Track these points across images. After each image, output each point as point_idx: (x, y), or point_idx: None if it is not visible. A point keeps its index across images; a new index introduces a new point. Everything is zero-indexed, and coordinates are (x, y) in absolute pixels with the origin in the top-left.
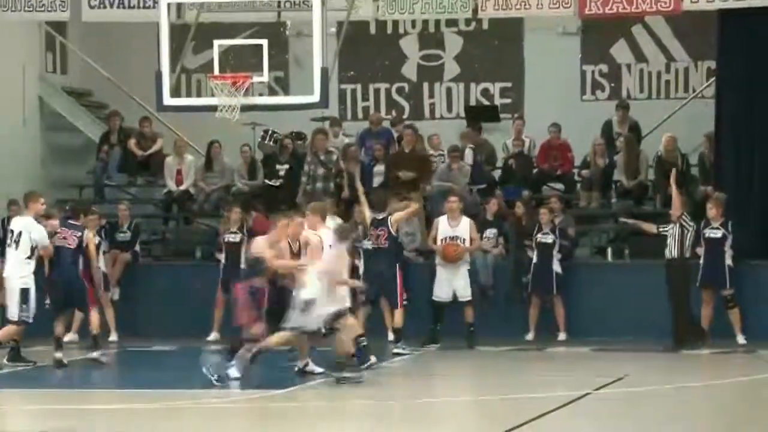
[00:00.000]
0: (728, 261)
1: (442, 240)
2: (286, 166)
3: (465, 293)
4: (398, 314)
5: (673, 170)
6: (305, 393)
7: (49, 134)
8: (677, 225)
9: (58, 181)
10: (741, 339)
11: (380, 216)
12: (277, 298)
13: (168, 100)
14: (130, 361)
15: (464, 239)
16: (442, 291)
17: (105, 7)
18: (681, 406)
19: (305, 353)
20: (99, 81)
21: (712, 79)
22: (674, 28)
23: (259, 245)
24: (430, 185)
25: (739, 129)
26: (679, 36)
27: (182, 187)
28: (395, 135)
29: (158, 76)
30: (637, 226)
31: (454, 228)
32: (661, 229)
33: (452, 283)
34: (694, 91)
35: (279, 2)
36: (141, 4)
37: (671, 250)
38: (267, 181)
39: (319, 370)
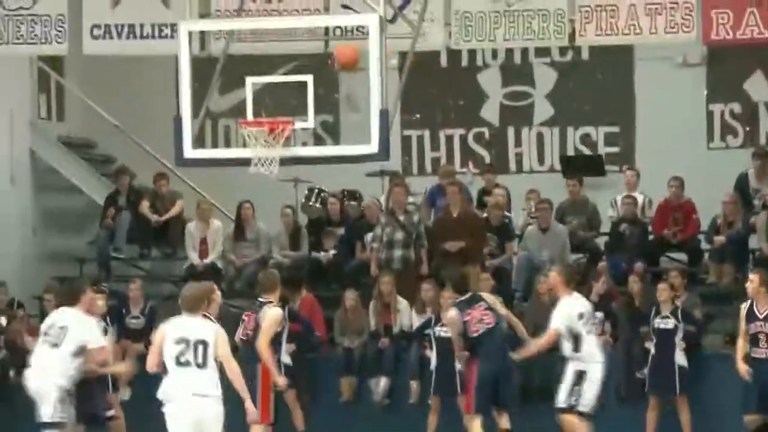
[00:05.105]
0: None
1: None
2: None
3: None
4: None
5: None
6: None
7: (42, 195)
8: None
9: (54, 253)
10: None
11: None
12: None
13: (189, 152)
14: None
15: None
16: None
17: (111, 37)
18: None
19: None
20: (104, 129)
21: None
22: None
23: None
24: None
25: None
26: None
27: (207, 261)
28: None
29: (177, 122)
30: None
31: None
32: None
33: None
34: None
35: (326, 29)
36: (156, 34)
37: None
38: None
39: None
